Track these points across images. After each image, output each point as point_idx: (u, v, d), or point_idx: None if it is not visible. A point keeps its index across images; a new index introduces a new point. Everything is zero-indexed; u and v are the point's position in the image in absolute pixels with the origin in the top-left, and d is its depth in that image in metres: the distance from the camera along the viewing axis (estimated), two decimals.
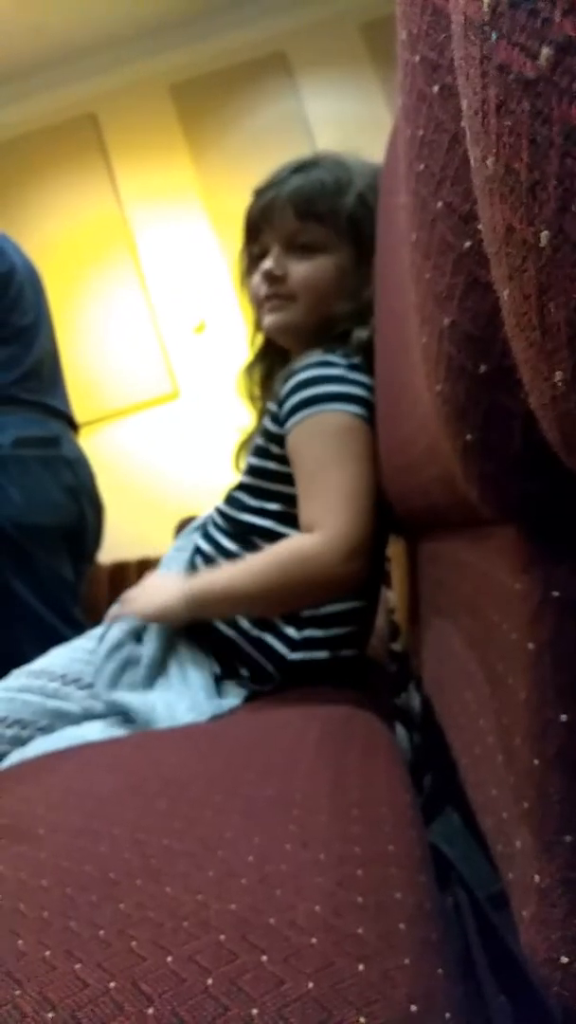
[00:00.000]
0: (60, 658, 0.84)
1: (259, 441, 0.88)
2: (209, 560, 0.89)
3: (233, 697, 0.79)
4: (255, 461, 0.89)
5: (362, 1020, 0.23)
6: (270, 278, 0.90)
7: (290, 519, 0.84)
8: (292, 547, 0.78)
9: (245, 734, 0.60)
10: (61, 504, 1.41)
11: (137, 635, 0.83)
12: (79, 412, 1.59)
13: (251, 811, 0.40)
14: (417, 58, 0.25)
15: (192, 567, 0.91)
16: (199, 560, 0.91)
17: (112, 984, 0.25)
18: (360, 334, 0.84)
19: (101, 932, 0.29)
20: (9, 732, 0.74)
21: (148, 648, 0.81)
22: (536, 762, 0.27)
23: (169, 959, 0.26)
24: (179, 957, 0.26)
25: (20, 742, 0.74)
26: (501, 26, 0.14)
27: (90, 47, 3.17)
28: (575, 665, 0.27)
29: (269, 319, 0.92)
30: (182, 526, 1.45)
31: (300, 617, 0.83)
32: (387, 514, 0.79)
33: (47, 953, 0.27)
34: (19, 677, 0.81)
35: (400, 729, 1.08)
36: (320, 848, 0.35)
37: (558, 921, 0.25)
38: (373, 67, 3.16)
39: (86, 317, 3.16)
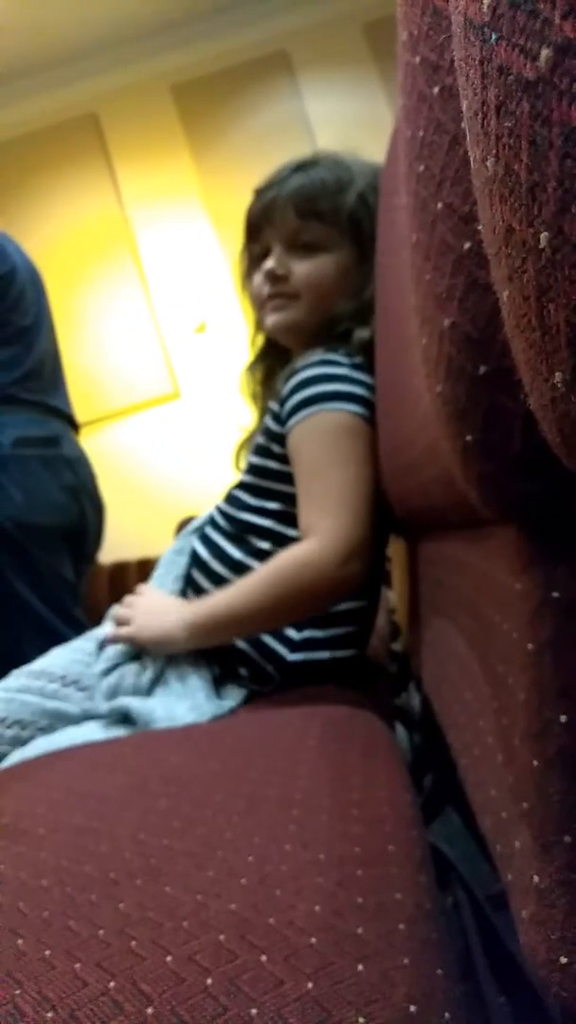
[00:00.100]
0: (60, 659, 0.84)
1: (260, 440, 0.88)
2: (204, 566, 0.89)
3: (233, 698, 0.79)
4: (256, 460, 0.88)
5: (361, 1020, 0.23)
6: (272, 277, 0.90)
7: (290, 518, 0.84)
8: (288, 560, 0.77)
9: (245, 734, 0.60)
10: (62, 504, 1.41)
11: (134, 654, 0.83)
12: (80, 412, 1.59)
13: (251, 811, 0.40)
14: (417, 59, 0.25)
15: (188, 578, 0.90)
16: (195, 570, 0.90)
17: (112, 984, 0.25)
18: (361, 334, 0.84)
19: (101, 932, 0.29)
20: (9, 732, 0.74)
21: (147, 661, 0.81)
22: (536, 762, 0.27)
23: (169, 959, 0.26)
24: (179, 957, 0.26)
25: (20, 742, 0.74)
26: (501, 27, 0.14)
27: (91, 47, 3.18)
28: (575, 665, 0.27)
29: (272, 318, 0.92)
30: (182, 526, 1.45)
31: None
32: (387, 514, 0.79)
33: (47, 952, 0.27)
34: (19, 678, 0.80)
35: (400, 729, 1.08)
36: (320, 848, 0.35)
37: (557, 922, 0.25)
38: (375, 67, 3.17)
39: (87, 317, 3.17)
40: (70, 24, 3.02)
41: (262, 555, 0.85)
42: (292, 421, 0.81)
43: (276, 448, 0.85)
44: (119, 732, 0.71)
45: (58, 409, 1.48)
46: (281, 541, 0.84)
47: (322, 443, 0.79)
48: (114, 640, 0.83)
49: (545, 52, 0.13)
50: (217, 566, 0.87)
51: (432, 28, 0.24)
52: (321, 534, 0.76)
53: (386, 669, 1.12)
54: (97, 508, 1.55)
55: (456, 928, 0.55)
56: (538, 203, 0.14)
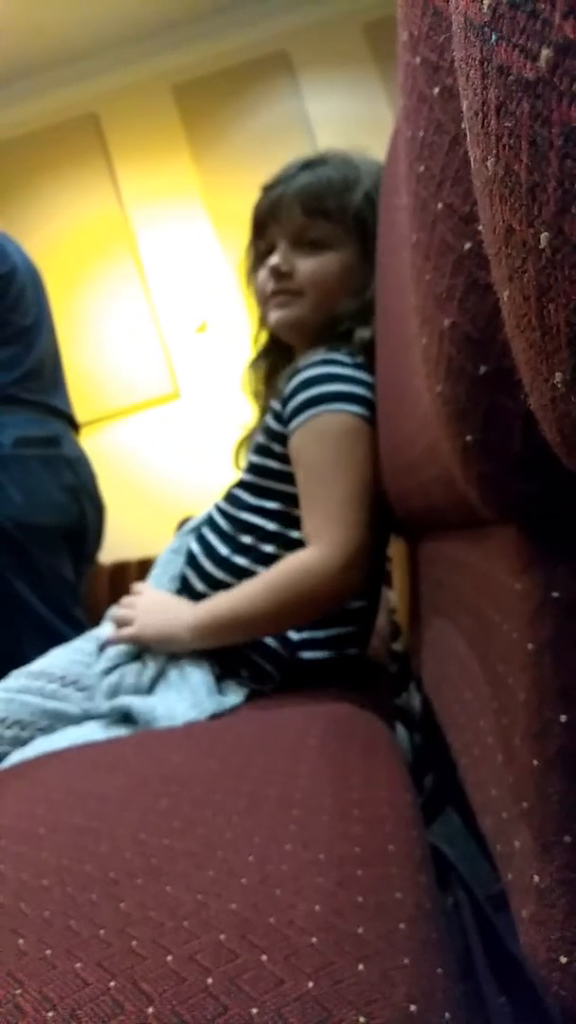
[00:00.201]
0: (59, 659, 0.84)
1: (261, 439, 0.88)
2: (196, 564, 0.89)
3: (234, 695, 0.79)
4: (256, 459, 0.89)
5: (362, 1020, 0.23)
6: (277, 274, 0.90)
7: (288, 519, 0.84)
8: (291, 565, 0.78)
9: (246, 734, 0.60)
10: (62, 504, 1.41)
11: (135, 654, 0.83)
12: (80, 412, 1.59)
13: (252, 811, 0.40)
14: (418, 60, 0.25)
15: (184, 579, 0.90)
16: (187, 568, 0.90)
17: (112, 983, 0.25)
18: (362, 333, 0.84)
19: (101, 931, 0.29)
20: (9, 733, 0.74)
21: (148, 659, 0.81)
22: (536, 762, 0.27)
23: (169, 958, 0.26)
24: (179, 956, 0.26)
25: (20, 742, 0.74)
26: (501, 27, 0.14)
27: (92, 47, 3.18)
28: (575, 665, 0.27)
29: (275, 315, 0.92)
30: (182, 525, 1.45)
31: None
32: (387, 514, 0.79)
33: (48, 952, 0.27)
34: (18, 678, 0.80)
35: (400, 729, 1.08)
36: (320, 848, 0.35)
37: (557, 921, 0.26)
38: (375, 67, 3.17)
39: (87, 317, 3.17)
40: (70, 24, 3.02)
41: (251, 552, 0.85)
42: (294, 423, 0.81)
43: (277, 447, 0.85)
44: (119, 732, 0.71)
45: (58, 409, 1.48)
46: (280, 541, 0.84)
47: (324, 446, 0.79)
48: (117, 641, 0.83)
49: (545, 52, 0.13)
50: (207, 563, 0.88)
51: (432, 28, 0.24)
52: (324, 542, 0.77)
53: (386, 669, 1.12)
54: (97, 508, 1.55)
55: (456, 928, 0.55)
56: (538, 203, 0.14)
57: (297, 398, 0.82)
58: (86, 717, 0.78)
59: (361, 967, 0.26)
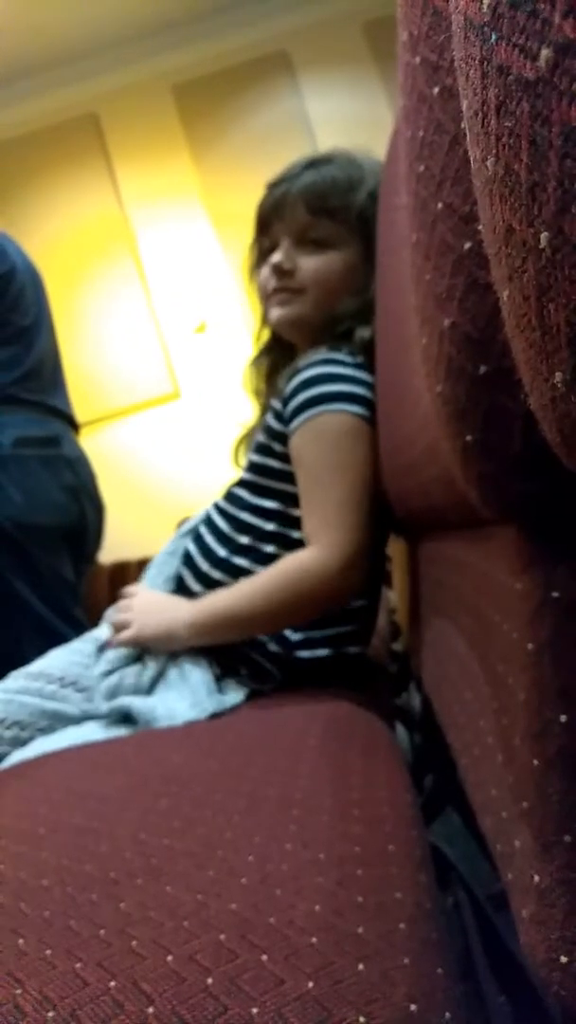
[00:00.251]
0: (58, 660, 0.84)
1: (261, 438, 0.88)
2: (191, 562, 0.89)
3: (234, 695, 0.79)
4: (257, 458, 0.89)
5: (362, 1019, 0.23)
6: (279, 271, 0.90)
7: (287, 519, 0.84)
8: (290, 565, 0.79)
9: (246, 733, 0.60)
10: (62, 504, 1.41)
11: (135, 656, 0.83)
12: (80, 412, 1.59)
13: (252, 810, 0.40)
14: (418, 60, 0.25)
15: (179, 580, 0.90)
16: (186, 571, 0.90)
17: (112, 983, 0.25)
18: (363, 333, 0.84)
19: (102, 931, 0.29)
20: (8, 733, 0.74)
21: (149, 663, 0.81)
22: (536, 762, 0.27)
23: (169, 958, 0.26)
24: (179, 956, 0.26)
25: (20, 743, 0.74)
26: (501, 27, 0.14)
27: (91, 47, 3.17)
28: (575, 665, 0.27)
29: (276, 312, 0.92)
30: (181, 525, 1.45)
31: None
32: (387, 514, 0.79)
33: (48, 952, 0.27)
34: (17, 679, 0.81)
35: (400, 729, 1.08)
36: (320, 848, 0.35)
37: (557, 921, 0.26)
38: (375, 67, 3.17)
39: (87, 317, 3.17)
40: (70, 24, 3.02)
41: (251, 553, 0.85)
42: (294, 422, 0.81)
43: (277, 447, 0.85)
44: (119, 731, 0.71)
45: (58, 409, 1.48)
46: (281, 541, 0.84)
47: (323, 446, 0.79)
48: (118, 645, 0.83)
49: (545, 52, 0.13)
50: (204, 564, 0.88)
51: (432, 28, 0.24)
52: (323, 543, 0.77)
53: (386, 669, 1.12)
54: (97, 508, 1.55)
55: (456, 928, 0.55)
56: (538, 203, 0.14)
57: (297, 398, 0.82)
58: (85, 718, 0.78)
59: (361, 967, 0.26)
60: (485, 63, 0.15)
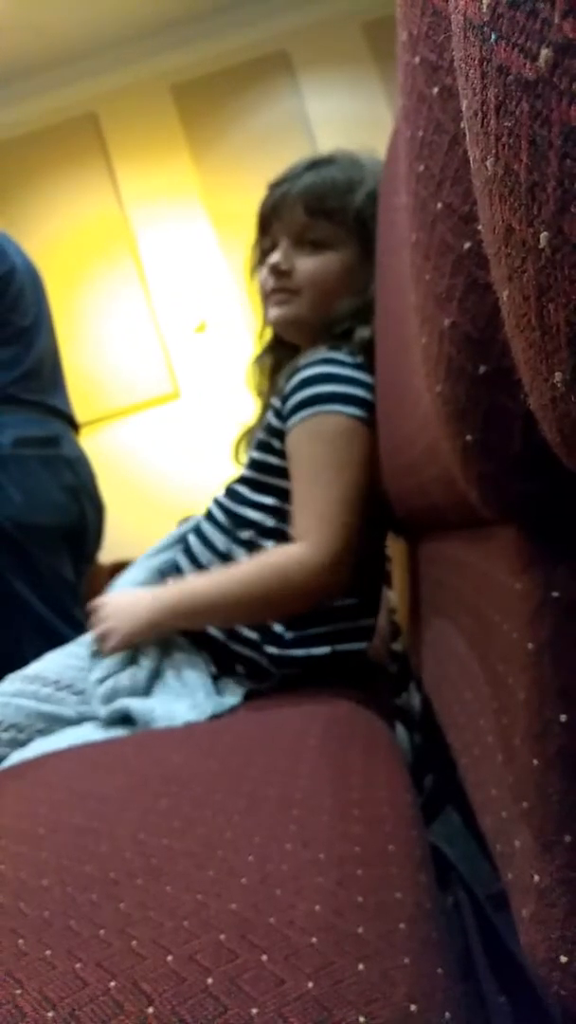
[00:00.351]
0: (53, 664, 0.84)
1: (261, 435, 0.89)
2: (190, 554, 0.90)
3: (232, 695, 0.79)
4: (257, 455, 0.89)
5: (362, 1019, 0.23)
6: (276, 272, 0.91)
7: (286, 515, 0.84)
8: (274, 558, 0.79)
9: (246, 733, 0.60)
10: (61, 504, 1.41)
11: (129, 659, 0.82)
12: (79, 412, 1.59)
13: (252, 810, 0.40)
14: (417, 59, 0.25)
15: (178, 570, 0.91)
16: (186, 561, 0.91)
17: (112, 983, 0.25)
18: (362, 333, 0.85)
19: (101, 931, 0.29)
20: (6, 736, 0.74)
21: (143, 661, 0.81)
22: (536, 762, 0.27)
23: (169, 958, 0.26)
24: (179, 956, 0.26)
25: (17, 744, 0.74)
26: (500, 27, 0.14)
27: (91, 47, 3.18)
28: (575, 665, 0.27)
29: (273, 312, 0.93)
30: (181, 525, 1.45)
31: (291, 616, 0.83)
32: (387, 514, 0.79)
33: (48, 952, 0.27)
34: (13, 682, 0.81)
35: (400, 729, 1.08)
36: (320, 848, 0.35)
37: (557, 921, 0.26)
38: (375, 66, 3.17)
39: (87, 317, 3.17)
40: (70, 24, 3.02)
41: (251, 548, 0.85)
42: (291, 422, 0.82)
43: (277, 444, 0.85)
44: (118, 732, 0.71)
45: (58, 409, 1.48)
46: (279, 537, 0.85)
47: (317, 446, 0.80)
48: (108, 654, 0.83)
49: (545, 52, 0.13)
50: (204, 556, 0.88)
51: (432, 28, 0.24)
52: (310, 540, 0.78)
53: (386, 669, 1.12)
54: (97, 508, 1.55)
55: (456, 928, 0.55)
56: (538, 203, 0.14)
57: (295, 397, 0.82)
58: (82, 720, 0.78)
59: (361, 967, 0.26)
60: (485, 63, 0.15)
